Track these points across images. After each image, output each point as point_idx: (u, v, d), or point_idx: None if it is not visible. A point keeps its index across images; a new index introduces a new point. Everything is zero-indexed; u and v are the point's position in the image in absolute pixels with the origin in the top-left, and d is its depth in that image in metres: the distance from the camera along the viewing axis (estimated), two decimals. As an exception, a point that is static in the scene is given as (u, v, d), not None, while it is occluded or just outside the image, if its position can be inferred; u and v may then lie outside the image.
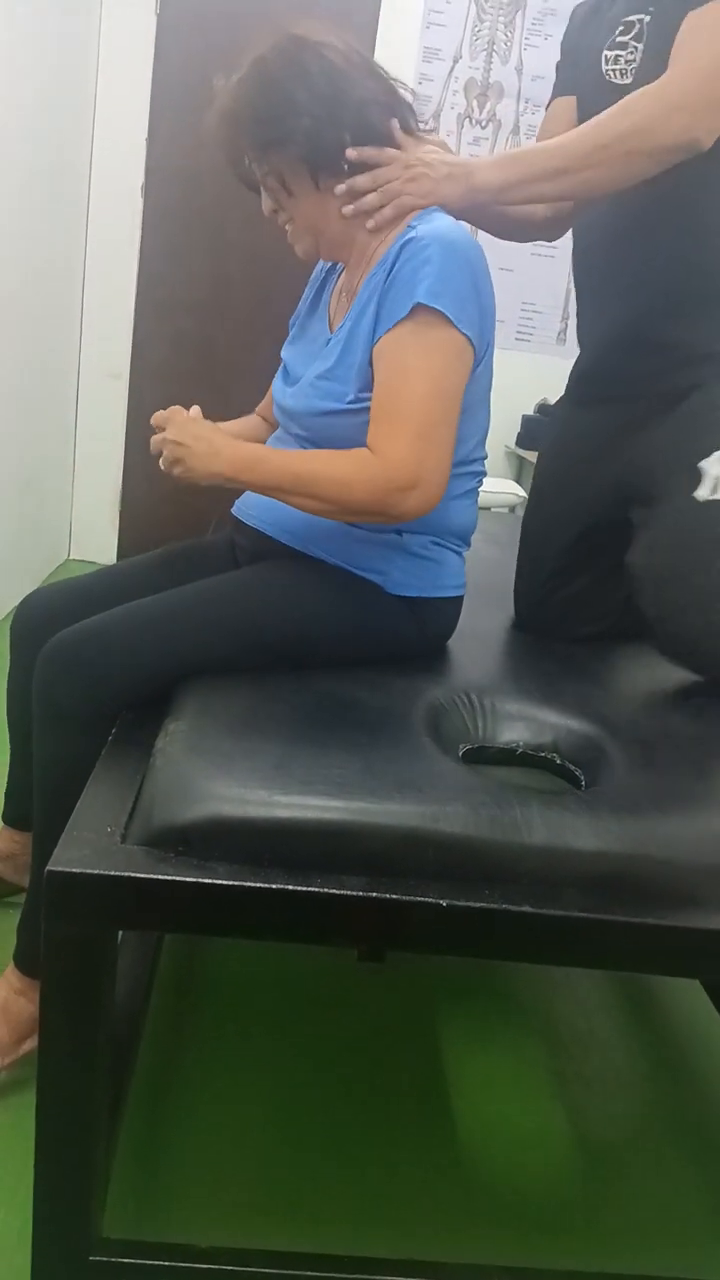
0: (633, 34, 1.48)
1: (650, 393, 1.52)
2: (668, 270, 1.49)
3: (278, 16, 3.26)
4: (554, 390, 2.18)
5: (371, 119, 1.30)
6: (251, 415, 1.70)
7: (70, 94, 3.11)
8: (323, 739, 1.12)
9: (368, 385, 1.30)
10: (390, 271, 1.27)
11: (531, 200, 1.44)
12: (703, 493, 1.40)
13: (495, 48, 3.24)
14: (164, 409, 1.34)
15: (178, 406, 1.34)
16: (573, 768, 1.25)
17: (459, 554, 1.46)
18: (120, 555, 3.72)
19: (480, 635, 1.59)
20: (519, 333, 3.43)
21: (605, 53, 1.52)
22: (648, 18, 1.46)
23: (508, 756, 1.28)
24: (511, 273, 3.21)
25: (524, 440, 3.63)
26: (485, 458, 1.45)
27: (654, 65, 1.40)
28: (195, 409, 1.35)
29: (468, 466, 1.41)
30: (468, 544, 1.48)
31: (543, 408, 3.56)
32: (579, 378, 1.68)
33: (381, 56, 3.26)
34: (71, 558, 3.75)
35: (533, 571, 1.70)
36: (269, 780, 1.02)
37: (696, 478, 1.41)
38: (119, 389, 3.55)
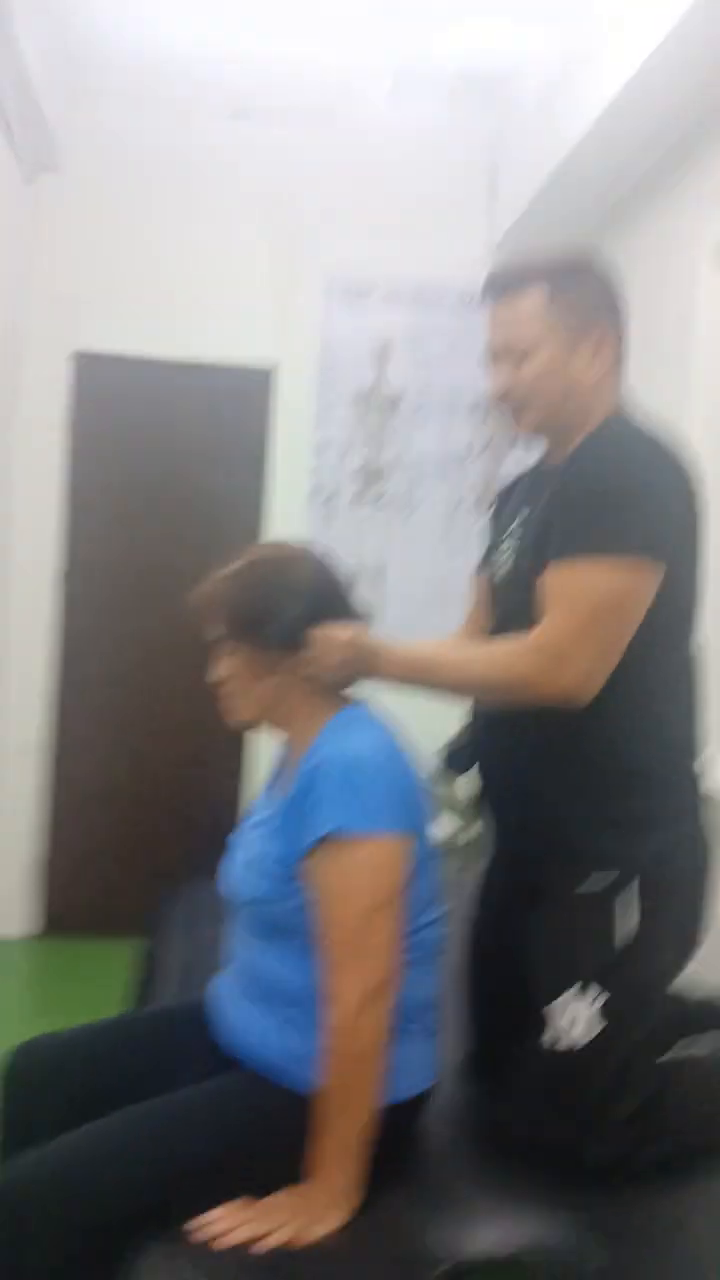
0: (516, 535, 1.56)
1: (524, 878, 1.52)
2: (540, 745, 1.49)
3: (187, 417, 3.51)
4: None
5: (330, 620, 1.43)
6: None
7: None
8: None
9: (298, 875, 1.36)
10: (308, 791, 1.36)
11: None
12: (546, 1041, 1.43)
13: (382, 437, 3.60)
14: None
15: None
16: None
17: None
18: (49, 925, 3.61)
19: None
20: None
21: (501, 544, 1.60)
22: (527, 510, 1.55)
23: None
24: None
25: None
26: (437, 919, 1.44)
27: (515, 570, 1.52)
28: None
29: (417, 935, 1.40)
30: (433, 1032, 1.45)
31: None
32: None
33: (278, 447, 3.60)
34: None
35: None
36: None
37: (543, 1023, 1.43)
38: (30, 765, 3.57)
